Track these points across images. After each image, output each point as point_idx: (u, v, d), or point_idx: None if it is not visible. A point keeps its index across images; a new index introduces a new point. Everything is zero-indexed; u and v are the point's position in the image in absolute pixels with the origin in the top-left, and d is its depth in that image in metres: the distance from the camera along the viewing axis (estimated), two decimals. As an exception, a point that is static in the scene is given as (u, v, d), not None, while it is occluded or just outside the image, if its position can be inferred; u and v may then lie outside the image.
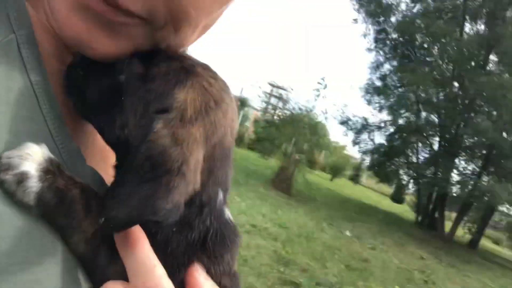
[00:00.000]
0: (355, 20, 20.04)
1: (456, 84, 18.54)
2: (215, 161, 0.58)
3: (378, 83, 20.66)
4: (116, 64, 0.58)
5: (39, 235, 0.49)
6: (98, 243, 0.53)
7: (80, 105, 0.60)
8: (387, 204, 27.01)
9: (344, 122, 21.02)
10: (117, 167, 0.62)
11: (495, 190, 15.11)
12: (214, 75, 0.61)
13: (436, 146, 19.49)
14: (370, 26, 20.08)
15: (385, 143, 20.89)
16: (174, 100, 0.54)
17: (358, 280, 6.68)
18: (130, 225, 0.50)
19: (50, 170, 0.50)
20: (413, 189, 22.67)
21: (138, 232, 0.53)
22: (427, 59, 19.06)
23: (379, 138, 21.68)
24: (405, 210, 24.87)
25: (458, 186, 18.05)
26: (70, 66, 0.60)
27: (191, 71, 0.58)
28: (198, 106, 0.56)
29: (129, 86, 0.57)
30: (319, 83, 16.73)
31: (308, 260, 6.89)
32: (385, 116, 20.83)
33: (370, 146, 21.36)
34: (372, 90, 20.65)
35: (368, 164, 22.25)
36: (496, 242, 31.33)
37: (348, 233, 10.42)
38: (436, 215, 19.07)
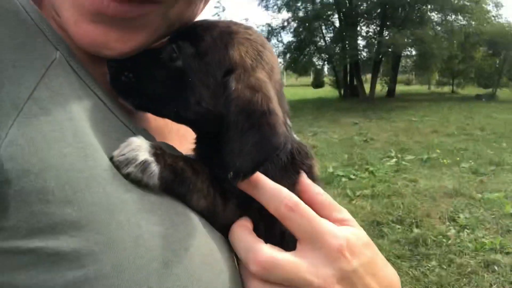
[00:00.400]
0: None
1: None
2: (280, 94, 0.67)
3: None
4: (163, 54, 0.64)
5: (173, 207, 0.56)
6: (213, 195, 0.61)
7: (142, 102, 0.64)
8: (312, 93, 28.66)
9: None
10: (198, 139, 0.71)
11: (397, 39, 17.39)
12: (245, 26, 0.67)
13: (337, 24, 21.18)
14: None
15: (293, 39, 21.98)
16: (232, 60, 0.62)
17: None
18: (258, 167, 0.57)
19: (157, 153, 0.57)
20: (328, 69, 24.43)
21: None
22: None
23: (287, 37, 22.63)
24: (328, 91, 27.09)
25: (366, 49, 20.26)
26: (113, 72, 0.63)
27: (230, 31, 0.64)
28: (252, 54, 0.63)
29: (189, 67, 0.62)
30: (216, 7, 16.91)
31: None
32: (285, 15, 21.59)
33: (281, 47, 22.33)
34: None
35: (284, 64, 23.45)
36: (408, 83, 35.83)
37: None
38: (355, 83, 21.48)
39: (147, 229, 0.49)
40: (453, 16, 20.65)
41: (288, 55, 22.36)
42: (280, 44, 22.36)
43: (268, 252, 0.57)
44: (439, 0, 18.76)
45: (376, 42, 19.36)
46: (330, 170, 6.70)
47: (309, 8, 20.77)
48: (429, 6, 19.71)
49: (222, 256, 0.58)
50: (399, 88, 26.69)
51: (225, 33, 0.64)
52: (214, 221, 0.61)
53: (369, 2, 19.38)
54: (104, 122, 0.57)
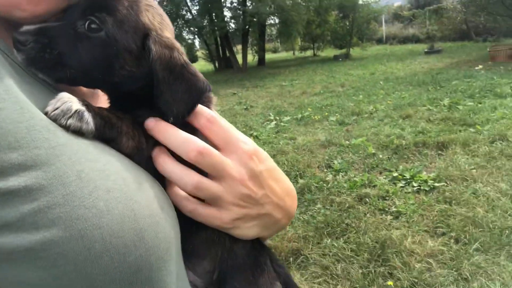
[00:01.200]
0: None
1: None
2: None
3: None
4: (79, 27, 0.66)
5: (103, 147, 0.62)
6: (138, 136, 0.68)
7: (65, 75, 0.66)
8: None
9: None
10: (112, 98, 0.77)
11: (259, 9, 18.11)
12: None
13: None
14: None
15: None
16: (145, 25, 0.69)
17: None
18: (193, 108, 0.70)
19: (86, 104, 0.62)
20: (200, 43, 24.30)
21: (204, 112, 0.72)
22: None
23: None
24: (203, 65, 27.10)
25: (233, 21, 20.63)
26: (31, 50, 0.62)
27: (136, 1, 0.70)
28: (158, 18, 0.72)
29: (112, 36, 0.66)
30: None
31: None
32: None
33: None
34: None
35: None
36: (274, 51, 37.82)
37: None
38: (227, 54, 21.89)
39: (87, 165, 0.55)
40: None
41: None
42: (146, 20, 21.24)
43: (203, 142, 0.69)
44: (292, -31, 19.92)
45: (241, 13, 19.86)
46: (217, 140, 6.85)
47: None
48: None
49: (154, 184, 0.65)
50: (268, 56, 28.03)
51: (132, 3, 0.70)
52: (141, 157, 0.68)
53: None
54: (27, 84, 0.60)
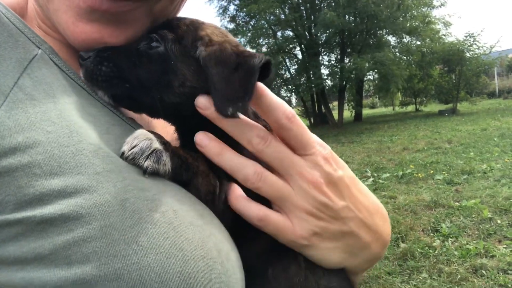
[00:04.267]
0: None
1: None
2: None
3: (231, 26, 21.87)
4: (141, 44, 0.67)
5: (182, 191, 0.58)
6: (212, 175, 0.64)
7: (123, 93, 0.66)
8: None
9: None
10: (178, 128, 0.75)
11: (358, 64, 18.09)
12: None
13: (300, 55, 21.99)
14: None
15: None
16: (204, 38, 0.68)
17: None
18: (252, 96, 0.60)
19: (164, 142, 0.60)
20: (296, 100, 24.97)
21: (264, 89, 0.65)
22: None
23: None
24: (299, 118, 27.55)
25: (330, 77, 20.94)
26: (90, 63, 0.64)
27: (198, 21, 0.73)
28: (219, 33, 0.71)
29: (172, 51, 0.66)
30: None
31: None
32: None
33: None
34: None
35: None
36: (373, 106, 37.09)
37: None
38: (323, 110, 22.03)
39: (134, 194, 0.50)
40: (408, 38, 21.83)
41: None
42: (245, 80, 22.77)
43: (259, 166, 0.63)
44: (392, 24, 19.74)
45: (338, 69, 20.08)
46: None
47: (270, 43, 21.51)
48: (384, 31, 20.75)
49: (213, 219, 0.59)
50: (365, 112, 27.61)
51: (195, 21, 0.72)
52: (213, 196, 0.63)
53: (328, 32, 20.24)
54: (91, 107, 0.60)
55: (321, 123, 22.21)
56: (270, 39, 21.66)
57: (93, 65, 0.63)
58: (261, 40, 21.54)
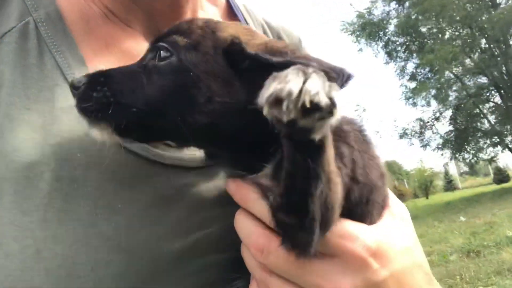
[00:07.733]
0: (360, 50, 21.05)
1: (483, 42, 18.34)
2: None
3: (413, 84, 20.57)
4: (146, 59, 0.57)
5: None
6: None
7: (130, 122, 0.54)
8: (493, 188, 22.92)
9: (403, 135, 20.54)
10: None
11: None
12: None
13: (498, 101, 18.97)
14: (375, 46, 20.84)
15: (451, 128, 20.28)
16: (227, 39, 0.56)
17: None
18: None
19: None
20: (496, 157, 20.99)
21: None
22: (435, 30, 19.06)
23: (443, 128, 20.79)
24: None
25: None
26: (81, 92, 0.54)
27: (212, 20, 0.62)
28: (244, 31, 0.60)
29: (188, 60, 0.54)
30: (356, 110, 17.23)
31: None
32: (435, 106, 20.20)
33: (439, 139, 20.52)
34: (411, 93, 20.20)
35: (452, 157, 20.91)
36: None
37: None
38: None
39: None
40: None
41: (448, 146, 20.36)
42: (437, 136, 20.56)
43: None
44: None
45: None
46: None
47: (460, 95, 19.24)
48: None
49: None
50: None
51: (209, 21, 0.61)
52: None
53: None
54: (43, 91, 0.60)
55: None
56: (459, 91, 19.25)
57: (83, 91, 0.54)
58: (449, 91, 19.31)
